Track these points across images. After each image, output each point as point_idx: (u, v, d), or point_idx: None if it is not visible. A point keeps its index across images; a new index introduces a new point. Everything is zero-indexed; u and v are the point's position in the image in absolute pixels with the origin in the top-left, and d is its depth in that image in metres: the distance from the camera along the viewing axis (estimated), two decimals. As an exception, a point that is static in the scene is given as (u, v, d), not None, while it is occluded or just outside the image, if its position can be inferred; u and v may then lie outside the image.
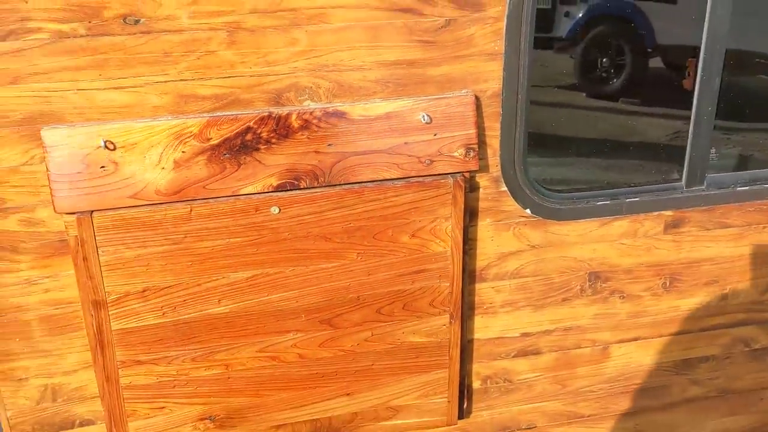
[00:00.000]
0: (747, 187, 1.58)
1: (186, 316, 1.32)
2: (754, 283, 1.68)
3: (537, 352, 1.61)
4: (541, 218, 1.49)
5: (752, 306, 1.70)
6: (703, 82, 1.48)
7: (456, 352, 1.49)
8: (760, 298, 1.69)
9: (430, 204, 1.37)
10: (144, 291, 1.29)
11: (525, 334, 1.59)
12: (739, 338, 1.73)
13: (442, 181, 1.36)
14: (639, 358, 1.68)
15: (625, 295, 1.60)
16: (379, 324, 1.43)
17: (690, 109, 1.50)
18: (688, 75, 1.57)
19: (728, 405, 1.79)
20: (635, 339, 1.66)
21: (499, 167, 1.43)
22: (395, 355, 1.47)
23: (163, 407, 1.38)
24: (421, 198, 1.36)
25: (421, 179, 1.36)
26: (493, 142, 1.41)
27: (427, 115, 1.34)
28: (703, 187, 1.56)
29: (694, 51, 1.49)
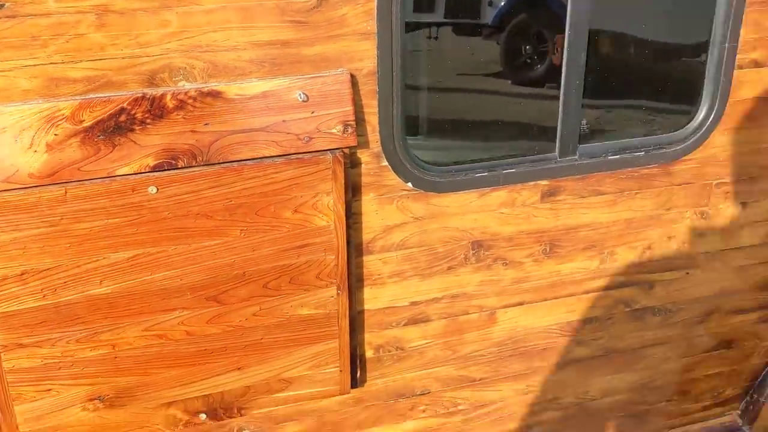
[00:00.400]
0: (618, 156, 1.68)
1: (67, 298, 1.33)
2: (631, 247, 1.78)
3: (427, 320, 1.68)
4: (422, 191, 1.55)
5: (630, 268, 1.81)
6: (570, 58, 1.57)
7: (345, 323, 1.54)
8: (637, 260, 1.80)
9: (310, 180, 1.42)
10: (22, 274, 1.30)
11: (414, 303, 1.65)
12: (620, 300, 1.83)
13: (322, 157, 1.41)
14: (525, 321, 1.77)
15: (507, 262, 1.68)
16: (267, 299, 1.47)
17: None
18: (556, 51, 1.65)
19: (613, 363, 1.91)
20: (520, 303, 1.74)
21: (379, 143, 1.48)
22: (285, 328, 1.51)
23: (49, 389, 1.39)
24: (302, 174, 1.41)
25: (300, 156, 1.40)
26: (372, 120, 1.46)
27: (304, 94, 1.37)
28: (576, 157, 1.65)
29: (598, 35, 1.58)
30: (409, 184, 1.53)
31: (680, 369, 1.99)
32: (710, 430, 2.09)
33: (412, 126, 1.61)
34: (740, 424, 2.10)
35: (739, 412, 2.11)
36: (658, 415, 2.03)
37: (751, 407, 2.08)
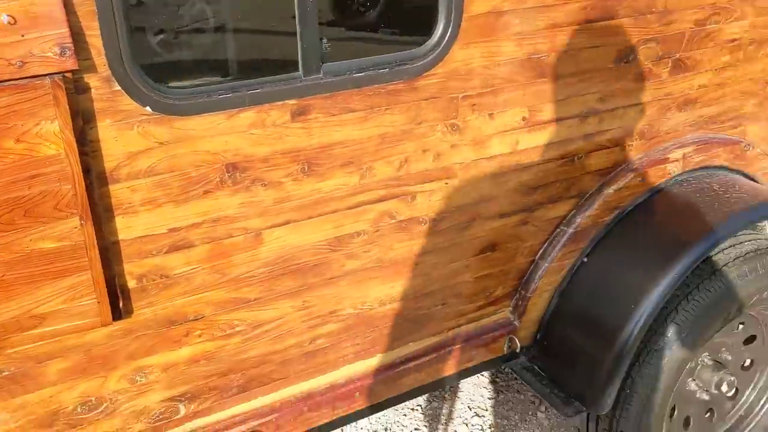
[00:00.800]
0: (363, 74, 1.76)
1: None
2: (388, 162, 1.89)
3: (189, 246, 1.70)
4: (164, 115, 1.55)
5: (390, 182, 1.91)
6: (300, -24, 1.61)
7: (94, 254, 1.53)
8: (396, 174, 1.91)
9: (30, 107, 1.37)
10: None
11: (173, 230, 1.66)
12: (385, 212, 1.94)
13: (39, 82, 1.36)
14: (293, 240, 1.83)
15: (266, 183, 1.73)
16: (1, 234, 1.43)
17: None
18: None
19: (386, 274, 2.03)
20: (286, 223, 1.80)
21: (107, 66, 1.46)
22: (27, 263, 1.48)
23: None
24: (18, 101, 1.36)
25: (15, 82, 1.35)
26: (96, 42, 1.43)
27: (9, 16, 1.32)
28: (320, 75, 1.70)
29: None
30: (148, 108, 1.53)
31: (451, 274, 2.15)
32: (485, 327, 2.28)
33: (146, 48, 1.59)
34: (512, 320, 2.31)
35: (510, 308, 2.32)
36: (436, 318, 2.19)
37: (520, 303, 2.30)
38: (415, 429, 3.04)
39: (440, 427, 3.04)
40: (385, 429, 3.04)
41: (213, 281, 1.77)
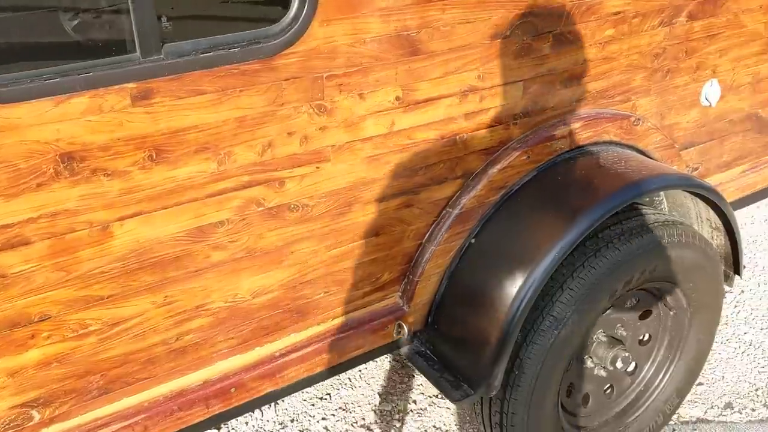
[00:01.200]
0: (213, 53, 1.66)
1: None
2: (250, 146, 1.79)
3: (26, 243, 1.58)
4: (-19, 102, 1.43)
5: (254, 167, 1.82)
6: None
7: None
8: (259, 159, 1.82)
9: None
10: None
11: (5, 226, 1.54)
12: (250, 199, 1.85)
13: None
14: (147, 232, 1.73)
15: (109, 172, 1.62)
16: None
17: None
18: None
19: (258, 263, 1.94)
20: (137, 214, 1.70)
21: None
22: None
23: None
24: None
25: None
26: None
27: None
28: (162, 56, 1.60)
29: None
30: (-40, 96, 1.41)
31: (332, 261, 2.07)
32: (373, 313, 2.22)
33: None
34: (401, 305, 2.26)
35: (399, 293, 2.27)
36: (319, 306, 2.12)
37: (409, 287, 2.24)
38: (323, 418, 2.98)
39: (348, 415, 2.99)
40: (292, 420, 2.97)
41: (57, 279, 1.65)
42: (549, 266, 2.08)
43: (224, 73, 1.68)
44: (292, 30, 1.73)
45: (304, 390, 3.09)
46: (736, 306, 3.63)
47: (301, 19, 1.73)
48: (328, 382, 3.15)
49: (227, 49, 1.67)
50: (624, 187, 2.18)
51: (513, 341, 2.10)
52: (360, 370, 3.22)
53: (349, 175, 1.99)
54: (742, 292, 3.74)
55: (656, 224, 2.29)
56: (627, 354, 2.43)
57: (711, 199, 2.39)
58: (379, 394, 3.09)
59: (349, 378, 3.18)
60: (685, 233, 2.34)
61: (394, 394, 3.09)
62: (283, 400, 3.05)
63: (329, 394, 3.09)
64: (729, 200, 3.00)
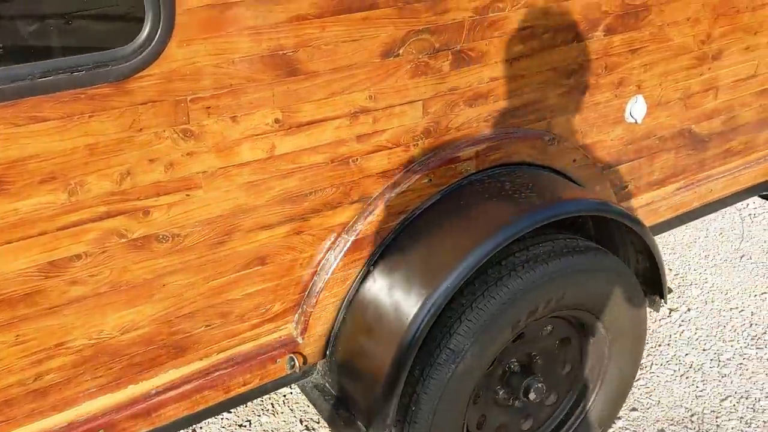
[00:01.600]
0: (51, 78, 1.55)
1: None
2: (104, 174, 1.68)
3: None
4: None
5: (112, 197, 1.71)
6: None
7: None
8: (118, 188, 1.71)
9: None
10: None
11: None
12: (110, 231, 1.73)
13: None
14: (-10, 269, 1.62)
15: (-62, 206, 1.51)
16: None
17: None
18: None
19: (125, 298, 1.82)
20: (-24, 250, 1.59)
21: None
22: None
23: None
24: None
25: None
26: None
27: None
28: (-5, 81, 1.49)
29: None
30: None
31: (211, 293, 1.96)
32: (264, 346, 2.11)
33: None
34: (295, 336, 2.14)
35: (293, 324, 2.15)
36: (201, 341, 2.00)
37: (303, 318, 2.13)
38: (241, 447, 2.87)
39: (266, 444, 2.88)
40: (208, 449, 2.86)
41: None
42: (442, 297, 1.97)
43: (69, 98, 1.57)
44: (146, 51, 1.61)
45: (223, 416, 2.98)
46: (680, 325, 3.52)
47: (155, 39, 1.61)
48: (249, 407, 3.04)
49: (71, 73, 1.55)
50: (527, 214, 2.07)
51: (404, 375, 1.98)
52: (284, 395, 3.10)
53: (225, 203, 1.87)
54: (689, 310, 3.63)
55: (565, 251, 2.18)
56: (540, 385, 2.32)
57: (624, 223, 2.28)
58: (301, 420, 2.98)
59: (272, 403, 3.06)
60: (598, 259, 2.23)
61: (317, 422, 2.97)
62: (200, 426, 2.94)
63: (249, 420, 2.98)
64: (662, 219, 2.91)
